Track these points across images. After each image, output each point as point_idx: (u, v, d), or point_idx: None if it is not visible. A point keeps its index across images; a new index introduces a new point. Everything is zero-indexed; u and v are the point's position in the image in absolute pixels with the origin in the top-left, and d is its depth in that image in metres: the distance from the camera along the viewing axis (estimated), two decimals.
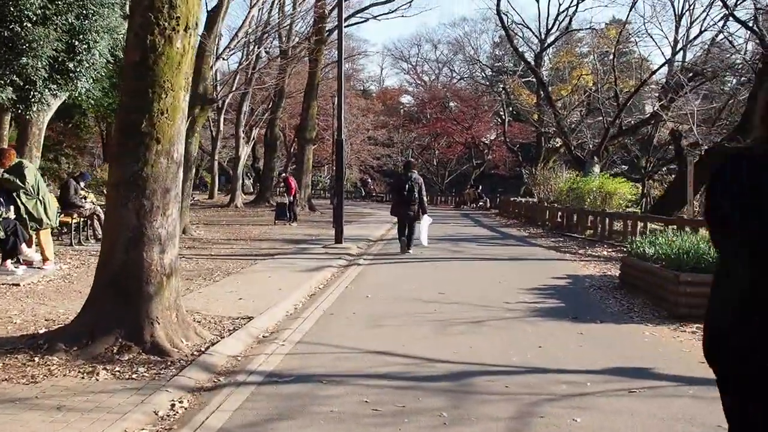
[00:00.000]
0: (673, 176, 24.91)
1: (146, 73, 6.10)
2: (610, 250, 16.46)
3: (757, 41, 19.66)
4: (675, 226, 15.79)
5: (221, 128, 43.31)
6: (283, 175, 25.95)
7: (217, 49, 20.47)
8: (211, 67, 19.18)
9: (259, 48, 27.73)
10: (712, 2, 22.84)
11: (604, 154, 29.39)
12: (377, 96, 69.08)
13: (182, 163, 6.52)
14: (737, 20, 19.38)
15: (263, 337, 7.05)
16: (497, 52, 64.70)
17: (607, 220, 18.58)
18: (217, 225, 22.40)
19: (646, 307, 8.72)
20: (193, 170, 19.09)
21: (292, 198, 24.37)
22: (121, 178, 6.18)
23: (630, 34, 32.90)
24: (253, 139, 47.52)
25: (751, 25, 19.40)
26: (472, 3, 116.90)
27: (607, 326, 7.73)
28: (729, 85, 25.29)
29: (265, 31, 24.84)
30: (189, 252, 14.39)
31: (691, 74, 27.39)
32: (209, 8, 18.86)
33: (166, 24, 6.12)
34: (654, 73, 28.77)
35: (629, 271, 10.06)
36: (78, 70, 11.58)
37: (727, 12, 19.38)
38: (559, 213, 22.93)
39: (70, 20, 11.00)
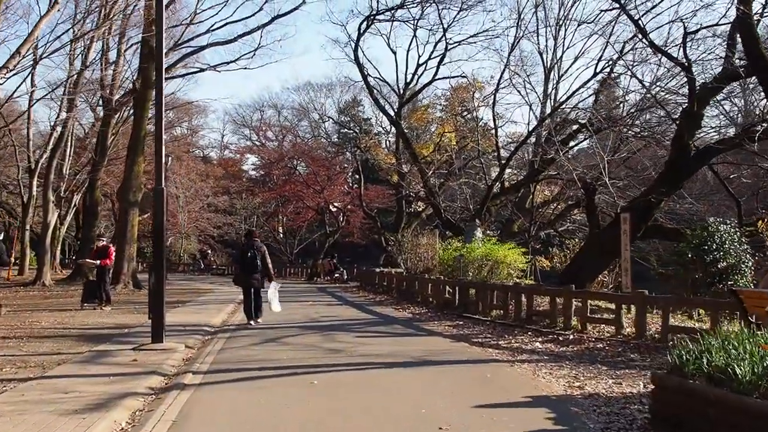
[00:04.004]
0: (580, 240, 21.24)
1: None
2: (542, 340, 12.04)
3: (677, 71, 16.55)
4: (631, 305, 11.70)
5: (34, 193, 36.33)
6: (103, 242, 19.47)
7: None
8: None
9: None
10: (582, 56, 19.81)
11: (486, 216, 25.55)
12: (218, 162, 63.70)
13: None
14: (657, 48, 16.07)
15: None
16: (343, 118, 61.58)
17: (524, 296, 14.21)
18: None
19: None
20: None
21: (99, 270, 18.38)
22: None
23: (499, 89, 29.71)
24: (75, 205, 40.91)
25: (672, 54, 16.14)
26: (323, 52, 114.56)
27: None
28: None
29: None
30: None
31: (575, 126, 24.42)
32: None
33: None
34: (536, 127, 25.49)
35: (698, 408, 5.37)
36: None
37: (645, 40, 15.98)
38: (448, 288, 18.45)
39: None
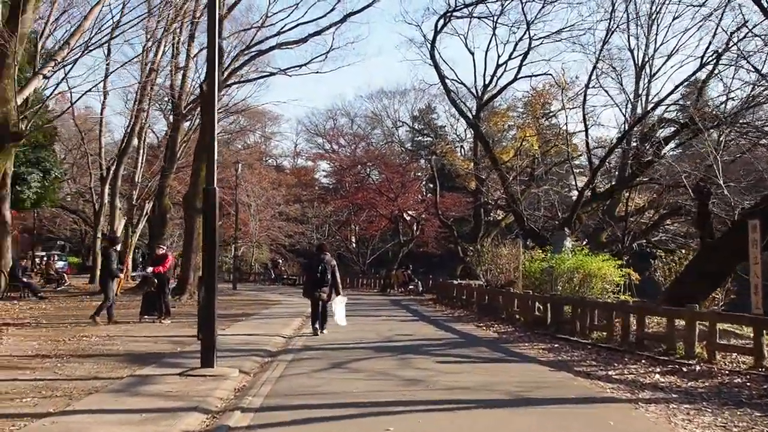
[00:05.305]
0: (688, 252, 18.94)
1: None
2: (660, 370, 10.00)
3: None
4: None
5: (105, 201, 36.19)
6: (162, 250, 18.42)
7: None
8: (21, 88, 12.21)
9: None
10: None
11: (575, 225, 23.42)
12: (291, 171, 63.10)
13: None
14: None
15: None
16: (417, 126, 60.11)
17: (633, 317, 12.16)
18: (56, 324, 15.43)
19: None
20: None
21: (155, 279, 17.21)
22: None
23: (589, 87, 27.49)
24: (147, 213, 40.52)
25: None
26: (398, 53, 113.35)
27: None
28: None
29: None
30: None
31: (675, 128, 22.12)
32: None
33: None
34: (633, 126, 23.19)
35: None
36: None
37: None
38: (538, 304, 16.50)
39: None
